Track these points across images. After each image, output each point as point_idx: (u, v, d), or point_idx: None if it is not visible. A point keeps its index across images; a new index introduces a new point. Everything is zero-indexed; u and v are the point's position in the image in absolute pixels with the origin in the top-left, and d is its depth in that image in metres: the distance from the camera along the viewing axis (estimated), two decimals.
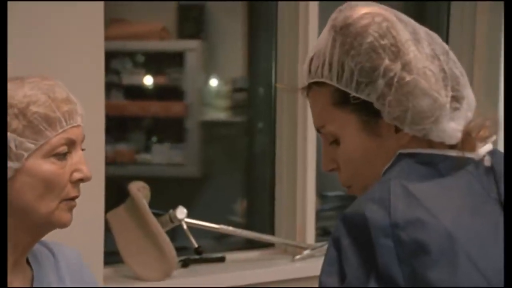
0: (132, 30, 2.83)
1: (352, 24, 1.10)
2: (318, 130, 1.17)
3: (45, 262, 1.34)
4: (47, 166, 1.20)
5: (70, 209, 1.25)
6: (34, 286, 1.29)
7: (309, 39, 2.48)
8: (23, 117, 1.18)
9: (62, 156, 1.22)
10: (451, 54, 1.15)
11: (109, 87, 2.30)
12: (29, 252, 1.29)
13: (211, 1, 2.90)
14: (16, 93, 1.19)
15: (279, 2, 2.60)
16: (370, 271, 0.97)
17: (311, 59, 1.16)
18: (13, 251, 1.24)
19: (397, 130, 1.10)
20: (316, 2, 2.53)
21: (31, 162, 1.19)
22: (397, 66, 1.08)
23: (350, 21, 1.11)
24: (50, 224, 1.24)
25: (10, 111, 1.18)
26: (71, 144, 1.23)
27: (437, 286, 0.94)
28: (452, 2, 2.95)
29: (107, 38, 2.08)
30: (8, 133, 1.17)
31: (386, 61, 1.08)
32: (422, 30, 1.14)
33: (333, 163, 1.17)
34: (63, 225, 1.25)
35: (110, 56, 2.12)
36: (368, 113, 1.10)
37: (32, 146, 1.18)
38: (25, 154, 1.18)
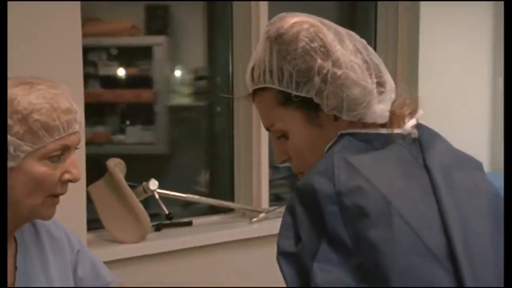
0: (106, 28, 2.78)
1: (285, 33, 1.10)
2: (267, 129, 1.17)
3: (27, 234, 1.29)
4: (40, 168, 1.15)
5: (54, 205, 1.20)
6: (17, 258, 1.24)
7: (260, 32, 2.47)
8: (25, 123, 1.13)
9: (55, 159, 1.17)
10: (369, 47, 1.15)
11: (87, 77, 2.26)
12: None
13: (175, 2, 2.86)
14: (22, 100, 1.13)
15: (234, 2, 2.58)
16: (321, 234, 0.97)
17: (253, 69, 1.15)
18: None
19: (336, 118, 1.11)
20: (266, 7, 2.52)
21: (26, 163, 1.14)
22: (328, 64, 1.08)
23: (282, 31, 1.10)
24: (34, 216, 1.21)
25: (14, 116, 1.12)
26: (65, 149, 1.18)
27: (376, 243, 0.94)
28: (378, 2, 2.97)
29: (84, 35, 2.04)
30: (9, 136, 1.11)
31: (319, 61, 1.08)
32: (343, 30, 1.14)
33: (285, 155, 1.17)
34: (46, 218, 1.22)
35: (87, 50, 2.08)
36: (309, 107, 1.10)
37: (29, 148, 1.13)
38: (22, 155, 1.13)
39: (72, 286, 1.35)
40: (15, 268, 1.24)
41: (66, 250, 1.35)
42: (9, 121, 1.11)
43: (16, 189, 1.15)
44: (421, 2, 2.86)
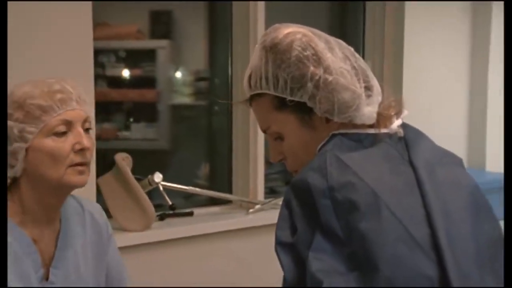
0: (113, 32, 2.78)
1: (279, 43, 1.10)
2: (264, 131, 1.17)
3: (74, 215, 1.36)
4: (48, 142, 1.21)
5: (78, 173, 1.25)
6: (59, 238, 1.31)
7: (258, 32, 2.47)
8: (22, 109, 1.20)
9: (61, 134, 1.22)
10: (357, 54, 1.16)
11: (96, 78, 2.26)
12: (60, 209, 1.31)
13: (177, 7, 2.86)
14: (17, 91, 1.22)
15: (234, 7, 2.58)
16: (315, 225, 0.98)
17: (250, 76, 1.15)
18: (45, 211, 1.27)
19: (328, 120, 1.11)
20: (263, 7, 2.52)
21: (36, 141, 1.21)
22: (320, 71, 1.08)
23: (277, 41, 1.11)
24: (62, 186, 1.25)
25: (12, 105, 1.21)
26: (68, 124, 1.23)
27: (366, 234, 0.96)
28: (367, 3, 2.96)
29: (94, 38, 2.04)
30: (11, 122, 1.20)
31: (311, 68, 1.08)
32: (332, 39, 1.15)
33: (280, 155, 1.18)
34: (74, 186, 1.26)
35: (96, 52, 2.09)
36: (303, 111, 1.11)
37: (33, 129, 1.20)
38: (29, 136, 1.20)
39: (105, 266, 1.42)
40: (55, 246, 1.30)
41: (103, 234, 1.43)
42: (9, 111, 1.20)
43: (38, 166, 1.22)
44: (406, 3, 2.85)
